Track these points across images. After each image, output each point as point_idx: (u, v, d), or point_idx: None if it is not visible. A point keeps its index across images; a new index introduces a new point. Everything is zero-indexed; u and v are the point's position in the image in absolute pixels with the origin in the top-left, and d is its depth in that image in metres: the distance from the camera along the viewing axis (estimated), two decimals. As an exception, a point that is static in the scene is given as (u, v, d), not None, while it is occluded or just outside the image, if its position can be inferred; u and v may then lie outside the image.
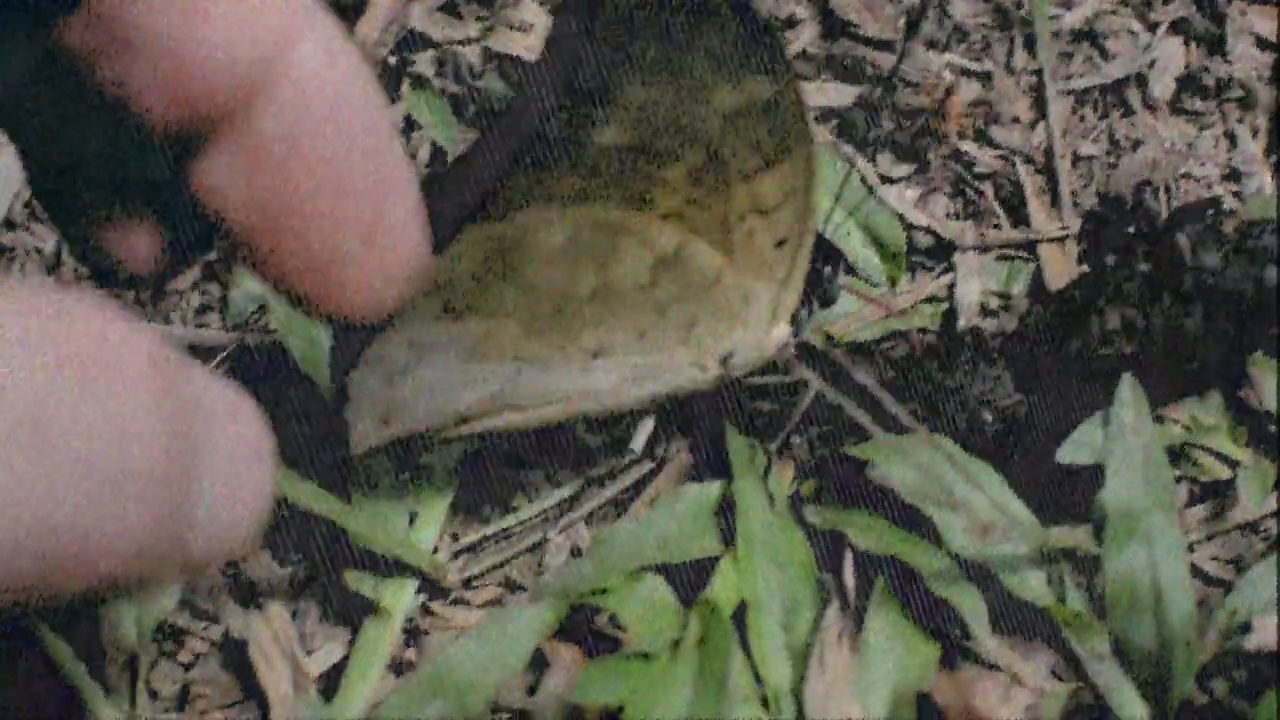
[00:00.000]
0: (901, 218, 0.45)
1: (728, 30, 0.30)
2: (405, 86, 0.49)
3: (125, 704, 0.38)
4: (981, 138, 0.47)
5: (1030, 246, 0.45)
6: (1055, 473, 0.39)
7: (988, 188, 0.46)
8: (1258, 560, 0.38)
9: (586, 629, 0.39)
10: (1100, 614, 0.37)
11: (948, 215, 0.46)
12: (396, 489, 0.41)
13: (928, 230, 0.45)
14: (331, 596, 0.40)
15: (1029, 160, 0.46)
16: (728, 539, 0.39)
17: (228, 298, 0.45)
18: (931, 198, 0.46)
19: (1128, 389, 0.38)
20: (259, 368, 0.44)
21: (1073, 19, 0.49)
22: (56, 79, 0.23)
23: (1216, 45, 0.48)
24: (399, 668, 0.40)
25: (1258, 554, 0.39)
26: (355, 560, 0.40)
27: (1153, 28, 0.49)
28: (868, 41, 0.48)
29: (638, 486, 0.42)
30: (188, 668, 0.40)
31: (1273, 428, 0.40)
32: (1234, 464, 0.40)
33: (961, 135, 0.46)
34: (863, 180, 0.45)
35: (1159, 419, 0.39)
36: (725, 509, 0.40)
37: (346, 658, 0.39)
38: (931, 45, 0.49)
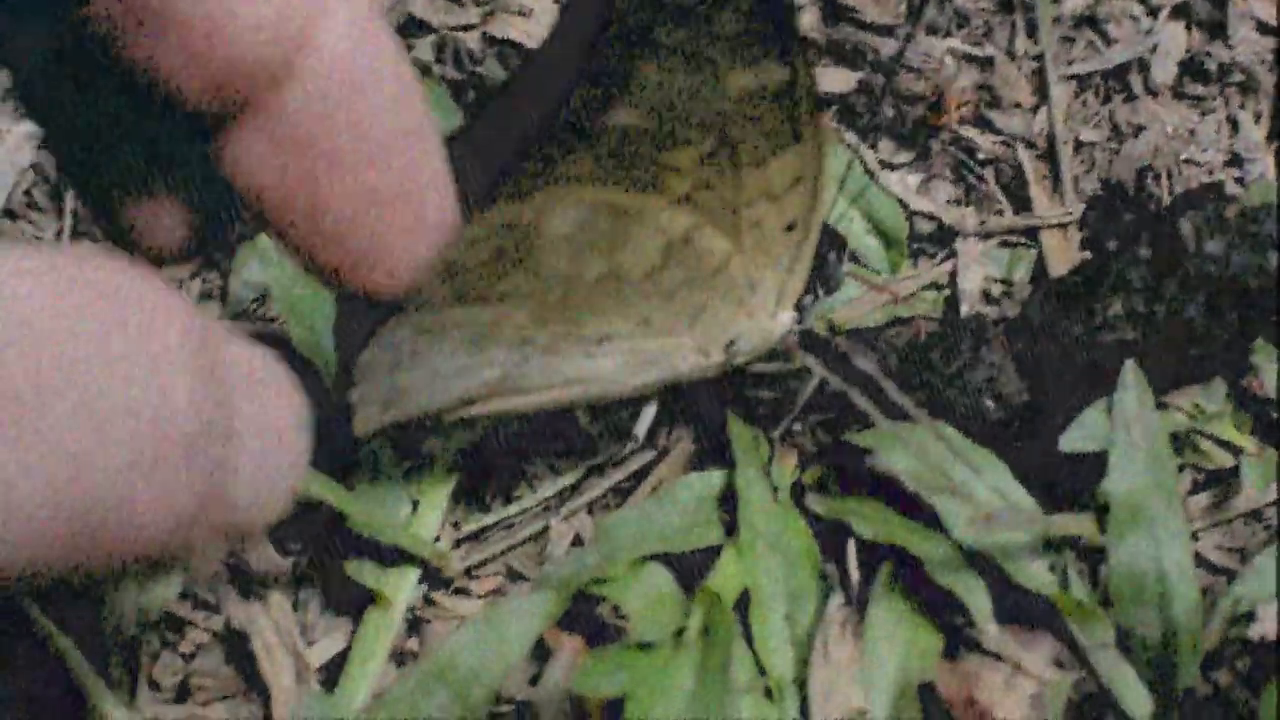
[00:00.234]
0: (903, 204, 0.45)
1: (746, 11, 0.29)
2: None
3: (126, 695, 0.38)
4: (983, 123, 0.47)
5: (1032, 233, 0.45)
6: (1058, 460, 0.38)
7: (989, 173, 0.46)
8: (1261, 549, 0.38)
9: (589, 619, 0.39)
10: (1104, 603, 0.37)
11: (949, 201, 0.46)
12: (398, 477, 0.41)
13: (929, 217, 0.45)
14: (333, 586, 0.40)
15: (1031, 146, 0.46)
16: (730, 528, 0.39)
17: (228, 286, 0.45)
18: (933, 184, 0.46)
19: (1131, 376, 0.38)
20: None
21: (1074, 3, 0.49)
22: (83, 55, 0.23)
23: (1218, 30, 0.48)
24: (401, 658, 0.40)
25: (1261, 542, 0.39)
26: (357, 550, 0.40)
27: (1154, 12, 0.49)
28: (868, 26, 0.48)
29: (640, 475, 0.42)
30: (189, 659, 0.40)
31: (1276, 415, 0.40)
32: (1237, 451, 0.40)
33: (962, 121, 0.46)
34: (864, 166, 0.45)
35: (1162, 406, 0.39)
36: (728, 498, 0.40)
37: (348, 648, 0.39)
38: (933, 30, 0.48)
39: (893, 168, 0.46)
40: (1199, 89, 0.47)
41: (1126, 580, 0.37)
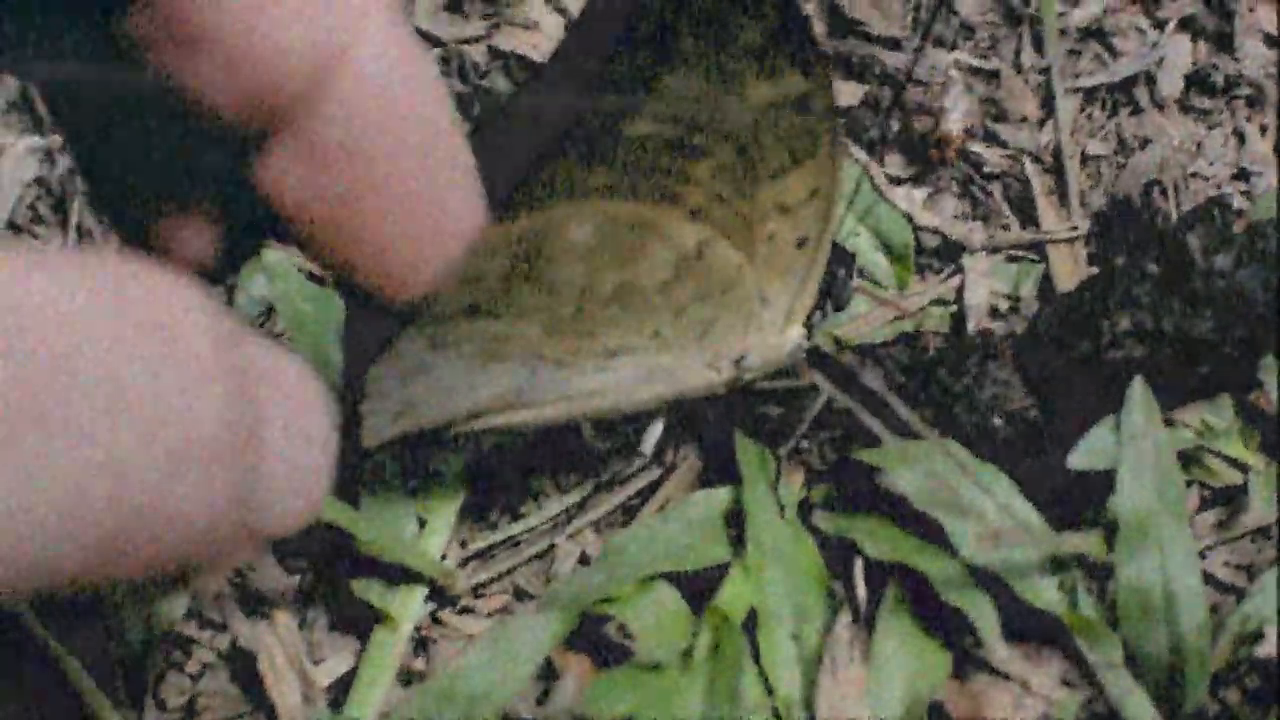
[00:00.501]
0: (910, 219, 0.45)
1: (768, 22, 0.29)
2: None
3: (132, 714, 0.38)
4: (989, 137, 0.47)
5: (1039, 247, 0.45)
6: (1067, 477, 0.38)
7: (996, 188, 0.46)
8: (1269, 566, 0.38)
9: (596, 637, 0.39)
10: (1112, 621, 0.37)
11: (956, 216, 0.46)
12: (405, 495, 0.41)
13: (936, 231, 0.45)
14: (340, 605, 0.40)
15: (1037, 160, 0.46)
16: (738, 545, 0.39)
17: (234, 300, 0.45)
18: (939, 198, 0.46)
19: (1138, 393, 0.38)
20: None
21: (1081, 16, 0.49)
22: (114, 71, 0.23)
23: (1225, 42, 0.48)
24: (408, 678, 0.39)
25: (1269, 560, 0.39)
26: (363, 568, 0.40)
27: (1161, 25, 0.49)
28: (875, 39, 0.48)
29: (647, 492, 0.42)
30: (195, 678, 0.40)
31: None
32: (1245, 468, 0.40)
33: (970, 136, 0.46)
34: (871, 181, 0.45)
35: (1170, 423, 0.39)
36: (735, 515, 0.39)
37: (355, 668, 0.39)
38: (939, 43, 0.48)
39: (899, 182, 0.46)
40: (1206, 102, 0.47)
41: (1134, 598, 0.37)
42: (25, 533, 0.15)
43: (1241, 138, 0.46)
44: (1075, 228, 0.44)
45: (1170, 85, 0.47)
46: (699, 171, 0.32)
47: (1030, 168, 0.46)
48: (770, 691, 0.36)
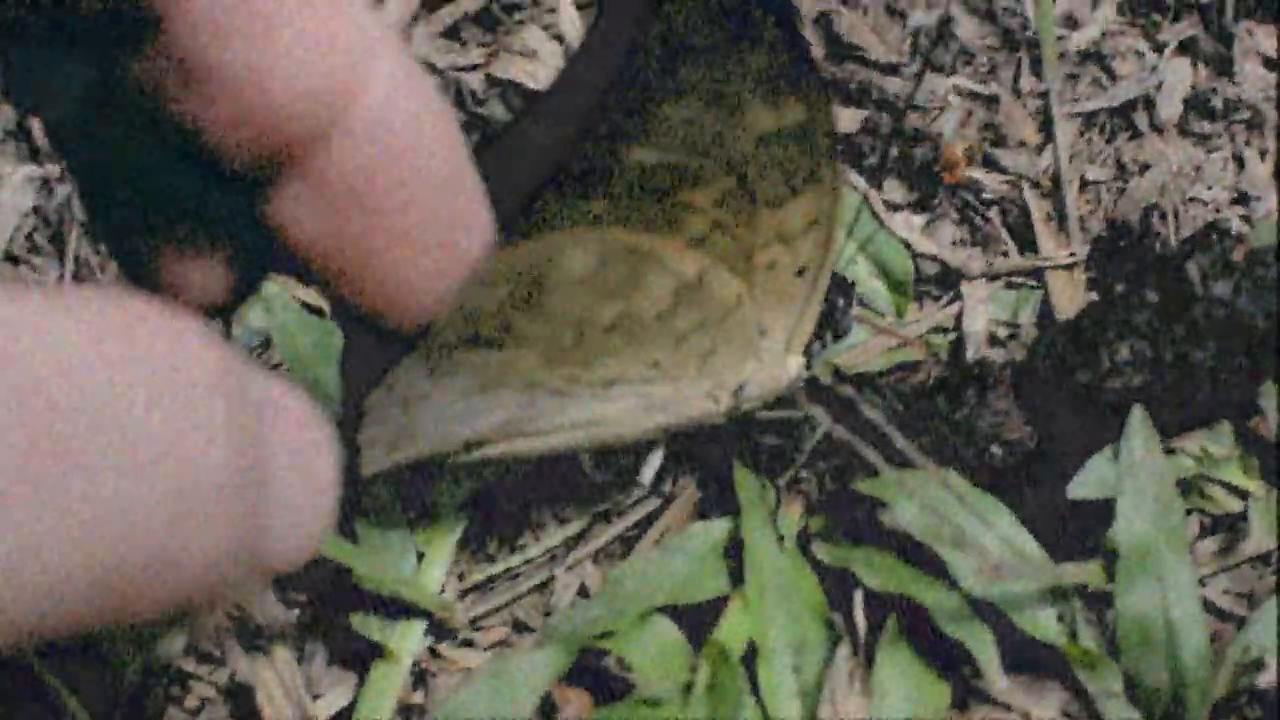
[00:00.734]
0: (908, 246, 0.45)
1: (770, 50, 0.29)
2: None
3: (132, 750, 0.38)
4: (988, 162, 0.47)
5: (1038, 274, 0.44)
6: (1066, 506, 0.38)
7: (994, 214, 0.46)
8: (1270, 594, 0.38)
9: (595, 671, 0.38)
10: (1112, 651, 0.37)
11: (954, 242, 0.46)
12: (403, 527, 0.40)
13: (934, 259, 0.45)
14: (338, 640, 0.40)
15: (1036, 185, 0.46)
16: (737, 577, 0.39)
17: (230, 332, 0.45)
18: (938, 224, 0.46)
19: (1138, 422, 0.38)
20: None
21: (1079, 39, 0.49)
22: (121, 108, 0.23)
23: (1224, 65, 0.48)
24: (407, 712, 0.39)
25: (1269, 588, 0.39)
26: (362, 602, 0.40)
27: (1160, 48, 0.49)
28: (874, 65, 0.48)
29: (645, 523, 0.42)
30: (194, 713, 0.40)
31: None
32: (1245, 495, 0.40)
33: (970, 161, 0.46)
34: (870, 208, 0.45)
35: (1169, 451, 0.39)
36: (734, 546, 0.39)
37: (354, 702, 0.39)
38: (937, 68, 0.48)
39: (897, 208, 0.46)
40: (1205, 126, 0.47)
41: (1134, 628, 0.37)
42: (30, 581, 0.15)
43: (1241, 162, 0.46)
44: (1074, 254, 0.44)
45: (1169, 109, 0.47)
46: (699, 200, 0.32)
47: (1029, 193, 0.46)
48: (770, 725, 0.36)
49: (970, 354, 0.43)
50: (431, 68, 0.49)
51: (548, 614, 0.41)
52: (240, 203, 0.24)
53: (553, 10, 0.50)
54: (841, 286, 0.39)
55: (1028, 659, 0.37)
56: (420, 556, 0.40)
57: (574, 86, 0.30)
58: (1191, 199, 0.46)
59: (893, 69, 0.48)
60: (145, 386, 0.16)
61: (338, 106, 0.23)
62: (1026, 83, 0.48)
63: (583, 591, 0.41)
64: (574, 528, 0.42)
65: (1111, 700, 0.36)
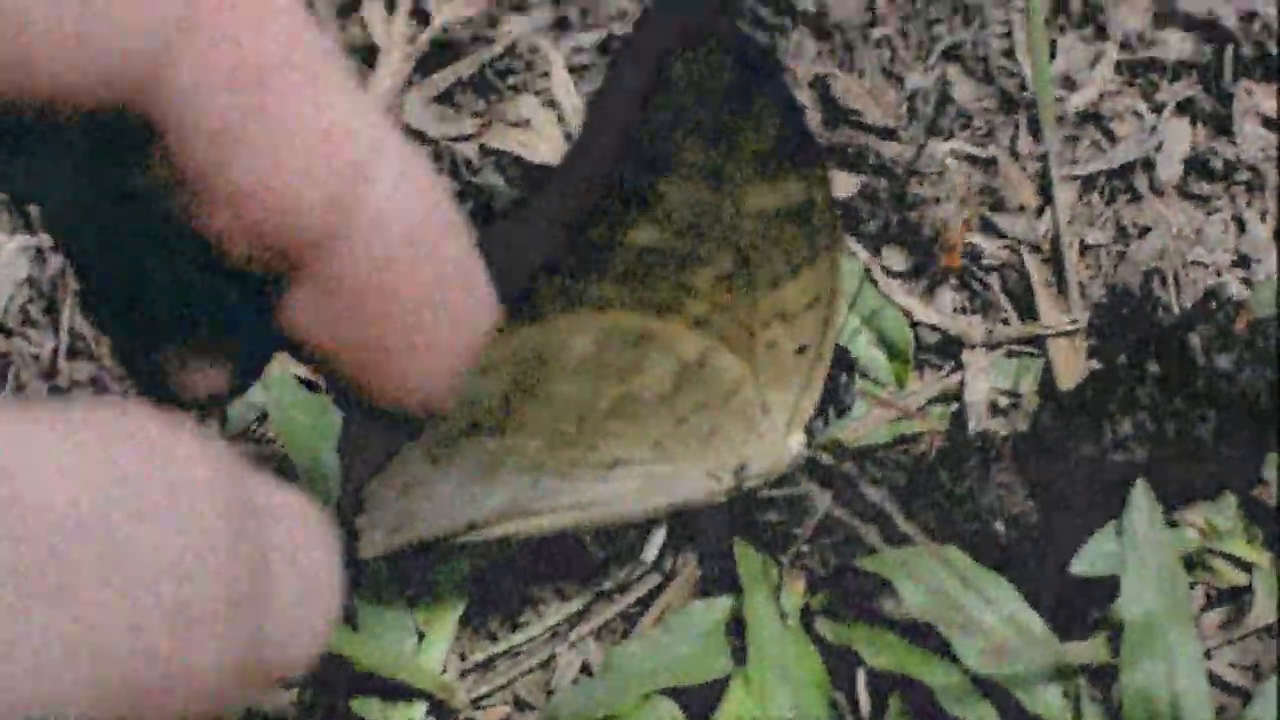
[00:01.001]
0: (908, 314, 0.44)
1: (769, 129, 0.29)
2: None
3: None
4: (987, 226, 0.46)
5: (1039, 341, 0.44)
6: (1070, 581, 0.38)
7: (994, 280, 0.46)
8: (1274, 668, 0.38)
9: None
10: (1118, 729, 0.36)
11: (954, 308, 0.46)
12: (403, 607, 0.40)
13: (935, 328, 0.44)
14: (339, 723, 0.40)
15: (1036, 249, 0.46)
16: (739, 656, 0.39)
17: (226, 408, 0.45)
18: (938, 290, 0.46)
19: (1141, 497, 0.38)
20: (249, 457, 0.43)
21: (1078, 100, 0.49)
22: (116, 204, 0.23)
23: (1224, 126, 0.48)
24: (408, 797, 0.39)
25: (1274, 661, 0.39)
26: (362, 684, 0.39)
27: (1158, 108, 0.49)
28: (871, 129, 0.48)
29: (646, 600, 0.41)
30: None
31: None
32: (1249, 567, 0.40)
33: (969, 227, 0.46)
34: (870, 278, 0.45)
35: (1173, 524, 0.39)
36: (736, 624, 0.39)
37: (355, 788, 0.39)
38: (935, 132, 0.48)
39: (896, 275, 0.46)
40: (1205, 187, 0.47)
41: (1140, 704, 0.36)
42: (31, 697, 0.15)
43: (1241, 224, 0.46)
44: (1075, 321, 0.44)
45: (1169, 171, 0.47)
46: (699, 281, 0.32)
47: (1029, 258, 0.46)
48: (774, 810, 0.36)
49: (972, 425, 0.43)
50: (425, 138, 0.49)
51: (550, 692, 0.41)
52: (243, 297, 0.24)
53: (546, 74, 0.50)
54: (843, 362, 0.39)
55: (1032, 737, 0.37)
56: (420, 636, 0.40)
57: (574, 171, 0.30)
58: (1192, 262, 0.45)
59: (890, 133, 0.48)
60: (142, 501, 0.16)
61: (344, 211, 0.23)
62: (1024, 144, 0.48)
63: (585, 669, 0.41)
64: (575, 604, 0.41)
65: (1117, 778, 0.36)
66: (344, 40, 0.50)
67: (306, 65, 0.22)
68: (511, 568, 0.42)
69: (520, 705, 0.41)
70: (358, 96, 0.23)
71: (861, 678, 0.38)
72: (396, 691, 0.39)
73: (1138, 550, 0.38)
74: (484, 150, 0.48)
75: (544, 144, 0.47)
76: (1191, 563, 0.39)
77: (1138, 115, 0.48)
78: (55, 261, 0.47)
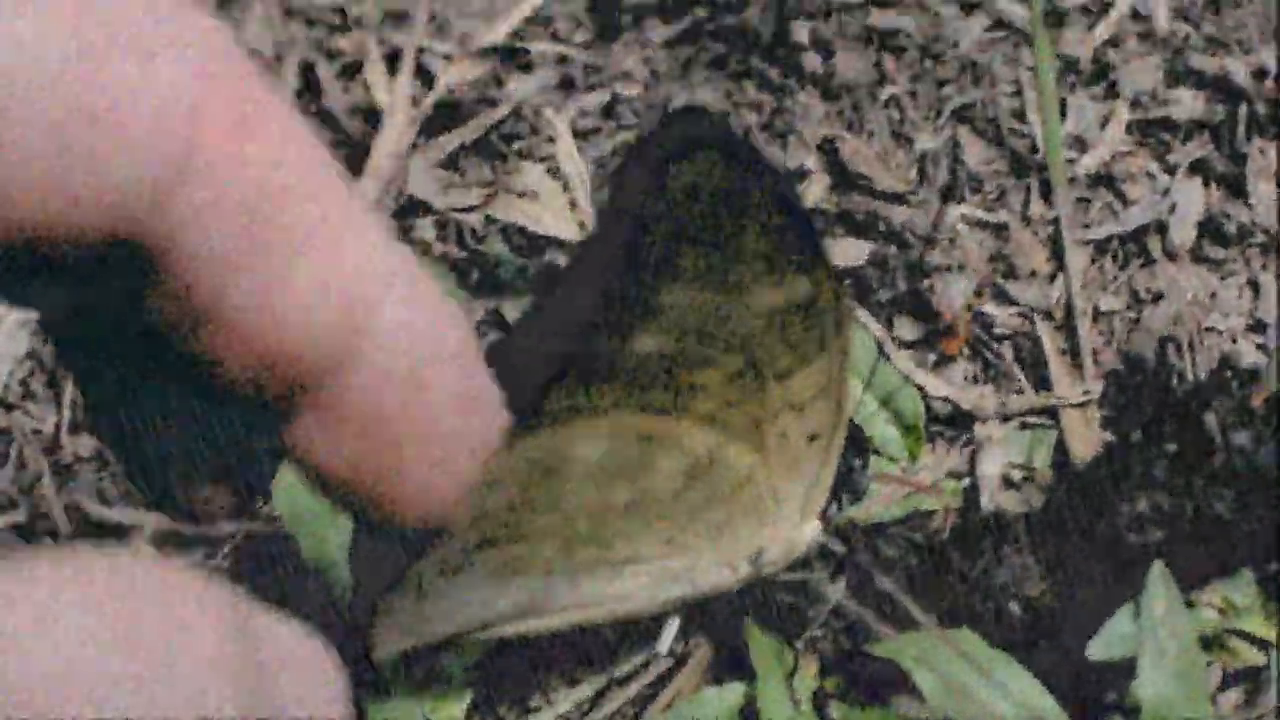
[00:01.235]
0: (919, 387, 0.44)
1: (772, 228, 0.29)
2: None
3: None
4: (999, 294, 0.46)
5: (1052, 412, 0.44)
6: (1086, 663, 0.38)
7: (1007, 349, 0.45)
8: (1292, 751, 0.38)
9: None
10: (1135, 816, 0.36)
11: (966, 378, 0.45)
12: (411, 697, 0.40)
13: (947, 400, 0.44)
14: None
15: (1048, 317, 0.45)
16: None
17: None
18: (950, 362, 0.45)
19: (1158, 579, 0.37)
20: (263, 557, 0.43)
21: (1089, 162, 0.48)
22: (121, 330, 0.23)
23: (1237, 186, 0.47)
24: None
25: (1293, 743, 0.39)
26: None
27: (1171, 169, 0.48)
28: (880, 195, 0.47)
29: (657, 683, 0.41)
30: None
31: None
32: (1266, 646, 0.39)
33: (979, 300, 0.45)
34: (881, 350, 0.44)
35: (1190, 604, 0.39)
36: (749, 710, 0.39)
37: None
38: (945, 196, 0.47)
39: (907, 344, 0.45)
40: (1219, 252, 0.46)
41: (1157, 789, 0.36)
42: None
43: (1256, 288, 0.46)
44: (1088, 391, 0.44)
45: (1182, 234, 0.47)
46: (708, 380, 0.31)
47: (1041, 326, 0.45)
48: None
49: (985, 500, 0.42)
50: (429, 208, 0.48)
51: (560, 782, 0.40)
52: (248, 422, 0.24)
53: (551, 140, 0.49)
54: (857, 444, 0.38)
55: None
56: (430, 725, 0.40)
57: (578, 282, 0.30)
58: (1207, 328, 0.45)
59: (899, 198, 0.47)
60: (147, 656, 0.15)
61: (351, 338, 0.23)
62: (1036, 208, 0.47)
63: (595, 758, 0.41)
64: (586, 690, 0.41)
65: None
66: (347, 102, 0.50)
67: (313, 192, 0.22)
68: (521, 654, 0.41)
69: (530, 795, 0.40)
70: (366, 221, 0.23)
71: (875, 765, 0.37)
72: (405, 782, 0.39)
73: (1155, 634, 0.37)
74: (489, 220, 0.48)
75: (549, 215, 0.47)
76: (1208, 642, 0.39)
77: (1150, 176, 0.48)
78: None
